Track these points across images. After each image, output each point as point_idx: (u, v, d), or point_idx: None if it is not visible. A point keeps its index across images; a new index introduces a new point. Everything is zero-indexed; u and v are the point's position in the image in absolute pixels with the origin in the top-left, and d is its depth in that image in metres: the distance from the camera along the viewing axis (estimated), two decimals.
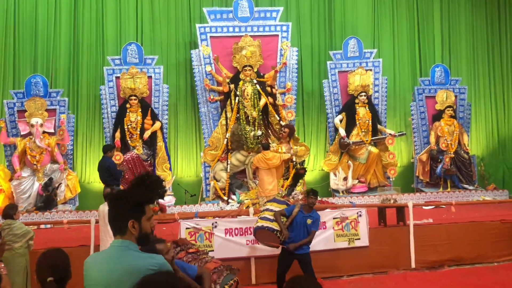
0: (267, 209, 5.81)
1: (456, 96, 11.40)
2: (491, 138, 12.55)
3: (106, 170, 7.67)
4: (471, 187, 10.72)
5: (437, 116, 11.19)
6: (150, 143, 9.94)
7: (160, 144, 10.06)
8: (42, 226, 8.30)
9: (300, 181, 9.74)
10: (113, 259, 2.06)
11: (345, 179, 10.40)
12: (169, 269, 2.07)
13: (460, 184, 10.81)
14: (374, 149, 10.61)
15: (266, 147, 8.81)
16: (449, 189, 10.72)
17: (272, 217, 5.65)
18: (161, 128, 10.10)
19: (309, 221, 5.54)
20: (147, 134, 9.78)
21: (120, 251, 2.08)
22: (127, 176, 9.62)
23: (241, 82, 9.89)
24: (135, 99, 9.82)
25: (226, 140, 9.80)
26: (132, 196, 2.23)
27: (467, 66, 12.51)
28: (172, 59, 11.16)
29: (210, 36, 10.30)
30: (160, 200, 9.40)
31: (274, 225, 5.57)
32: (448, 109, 11.02)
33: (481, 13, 12.61)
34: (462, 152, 10.95)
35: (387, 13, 12.15)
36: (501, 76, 12.63)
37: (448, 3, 12.49)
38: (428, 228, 7.42)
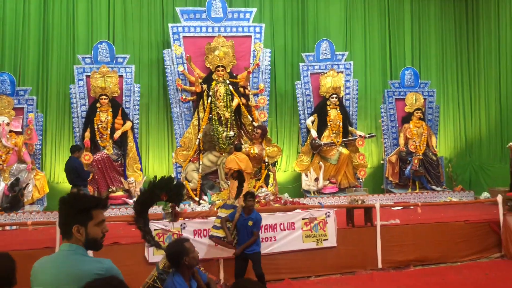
0: (217, 217, 5.99)
1: (425, 99, 11.64)
2: (459, 140, 12.86)
3: (73, 170, 7.54)
4: (438, 188, 10.96)
5: (407, 118, 11.40)
6: (121, 143, 9.82)
7: (131, 144, 9.94)
8: (7, 227, 8.12)
9: (272, 181, 9.79)
10: (60, 264, 2.04)
11: (317, 180, 10.49)
12: (116, 273, 2.05)
13: (428, 185, 11.04)
14: (344, 151, 10.74)
15: (239, 148, 8.82)
16: (417, 190, 10.95)
17: (219, 225, 5.85)
18: (132, 128, 9.99)
19: (250, 223, 5.67)
20: (117, 134, 9.66)
21: (67, 255, 2.06)
22: (96, 177, 9.50)
23: (213, 83, 9.87)
24: (105, 99, 9.69)
25: (198, 140, 9.76)
26: (79, 201, 2.22)
27: (436, 69, 12.78)
28: (144, 59, 11.04)
29: (183, 36, 10.24)
30: (129, 201, 9.31)
31: (220, 233, 5.79)
32: (417, 111, 11.25)
33: (450, 19, 12.90)
34: (431, 153, 11.19)
35: (359, 16, 12.31)
36: (469, 80, 12.94)
37: (419, 8, 12.73)
38: (395, 228, 7.55)
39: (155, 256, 6.30)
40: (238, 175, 6.26)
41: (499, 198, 7.87)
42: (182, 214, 6.95)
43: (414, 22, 12.69)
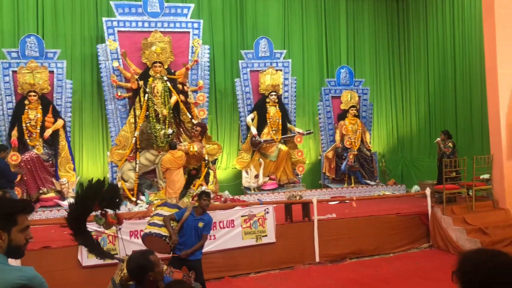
0: (157, 214, 5.39)
1: (359, 97, 12.07)
2: (391, 136, 13.46)
3: None
4: (372, 183, 11.42)
5: (342, 115, 11.77)
6: (52, 142, 9.32)
7: (63, 143, 9.47)
8: None
9: (212, 179, 9.75)
10: None
11: (257, 176, 10.57)
12: (40, 282, 1.94)
13: (363, 180, 11.47)
14: (283, 147, 10.90)
15: (174, 146, 8.71)
16: (353, 185, 11.35)
17: (161, 222, 5.24)
18: (64, 126, 9.52)
19: (200, 224, 5.25)
20: (47, 133, 9.16)
21: None
22: (25, 178, 8.97)
23: (150, 79, 9.64)
24: (34, 95, 9.16)
25: (134, 138, 9.50)
26: (2, 205, 2.06)
27: (370, 68, 13.27)
28: (77, 54, 10.53)
29: (118, 31, 9.90)
30: (62, 202, 8.89)
31: (163, 231, 5.15)
32: (352, 108, 11.65)
33: (382, 18, 13.42)
34: (365, 149, 11.62)
35: (297, 15, 12.50)
36: (400, 78, 13.57)
37: (353, 8, 13.13)
38: (331, 223, 7.78)
39: (89, 259, 6.06)
40: (194, 175, 5.91)
41: (428, 191, 8.33)
42: (122, 217, 6.68)
43: (349, 21, 13.08)
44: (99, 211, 3.91)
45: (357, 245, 7.73)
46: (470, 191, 8.48)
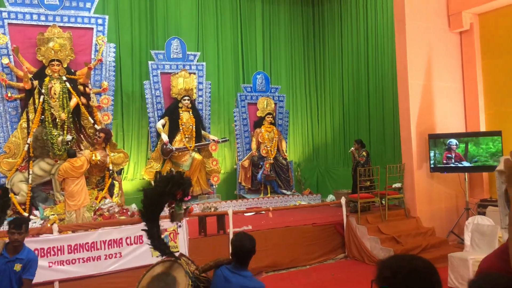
0: None
1: (275, 104, 12.37)
2: (307, 145, 13.95)
3: None
4: (288, 192, 11.72)
5: (259, 122, 11.99)
6: None
7: None
8: None
9: (117, 191, 9.39)
10: None
11: None
12: None
13: (279, 190, 11.73)
14: (197, 156, 10.80)
15: (73, 154, 8.27)
16: (269, 195, 11.55)
17: None
18: None
19: (17, 266, 3.99)
20: None
21: None
22: None
23: (47, 79, 9.06)
24: None
25: (27, 146, 8.83)
26: None
27: (286, 74, 13.67)
28: None
29: (9, 23, 9.16)
30: None
31: None
32: (268, 116, 11.90)
33: (298, 25, 13.93)
34: (281, 158, 11.92)
35: (211, 15, 12.52)
36: (316, 86, 14.14)
37: (269, 12, 13.47)
38: None
39: None
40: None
41: (343, 200, 8.72)
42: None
43: (265, 25, 13.38)
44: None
45: (273, 258, 7.84)
46: (383, 200, 9.03)
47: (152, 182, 9.44)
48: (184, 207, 3.73)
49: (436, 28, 9.55)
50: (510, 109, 9.22)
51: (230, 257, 3.35)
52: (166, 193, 3.43)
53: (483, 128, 9.55)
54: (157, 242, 3.64)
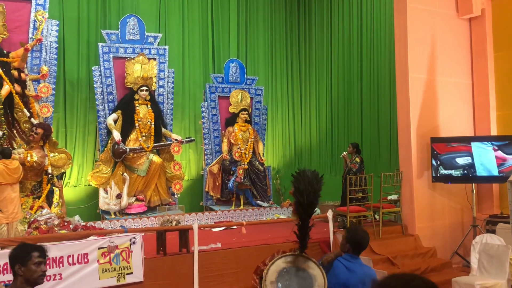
0: None
1: (251, 98, 12.39)
2: (287, 147, 14.02)
3: None
4: (265, 204, 11.74)
5: (231, 120, 11.99)
6: None
7: None
8: None
9: (57, 199, 9.26)
10: None
11: (119, 196, 10.25)
12: None
13: (254, 201, 11.74)
14: (156, 158, 10.73)
15: (8, 154, 8.11)
16: (242, 207, 11.55)
17: None
18: None
19: None
20: None
21: None
22: None
23: None
24: None
25: None
26: None
27: (264, 64, 13.71)
28: None
29: None
30: None
31: None
32: (242, 112, 11.90)
33: (280, 7, 14.01)
34: (257, 162, 11.92)
35: None
36: (300, 80, 14.23)
37: None
38: (215, 254, 7.78)
39: None
40: None
41: (329, 213, 8.76)
42: None
43: (241, 5, 13.39)
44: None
45: (247, 282, 7.72)
46: (377, 214, 9.13)
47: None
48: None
49: (442, 13, 9.72)
50: None
51: (341, 249, 4.22)
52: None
53: (494, 132, 9.75)
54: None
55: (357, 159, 9.82)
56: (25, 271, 3.34)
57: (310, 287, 3.64)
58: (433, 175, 9.26)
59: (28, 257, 3.35)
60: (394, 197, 9.53)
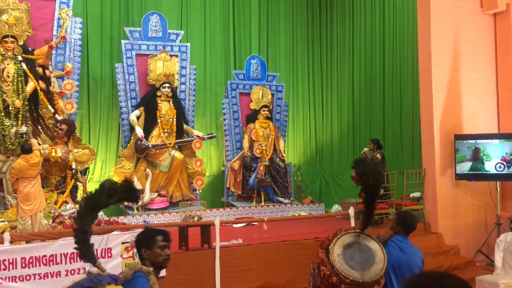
0: None
1: (273, 95, 12.37)
2: (309, 144, 13.98)
3: None
4: (286, 201, 11.72)
5: (252, 116, 11.97)
6: None
7: None
8: None
9: (81, 194, 9.37)
10: None
11: (142, 192, 10.32)
12: None
13: (275, 197, 11.74)
14: (178, 154, 10.78)
15: (29, 149, 8.21)
16: (263, 203, 11.55)
17: None
18: None
19: None
20: None
21: None
22: None
23: None
24: None
25: None
26: None
27: (285, 61, 13.69)
28: None
29: None
30: None
31: None
32: (263, 109, 11.88)
33: (302, 3, 13.95)
34: (278, 159, 11.91)
35: None
36: (321, 76, 14.17)
37: None
38: (237, 250, 7.80)
39: None
40: None
41: (351, 211, 8.72)
42: None
43: (261, 2, 13.37)
44: None
45: (268, 278, 7.83)
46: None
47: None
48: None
49: (466, 9, 9.62)
50: None
51: (393, 231, 4.58)
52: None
53: None
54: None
55: (378, 155, 9.75)
56: (150, 254, 3.42)
57: (372, 259, 4.00)
58: (457, 172, 9.16)
59: (153, 241, 3.43)
60: (417, 194, 9.44)
